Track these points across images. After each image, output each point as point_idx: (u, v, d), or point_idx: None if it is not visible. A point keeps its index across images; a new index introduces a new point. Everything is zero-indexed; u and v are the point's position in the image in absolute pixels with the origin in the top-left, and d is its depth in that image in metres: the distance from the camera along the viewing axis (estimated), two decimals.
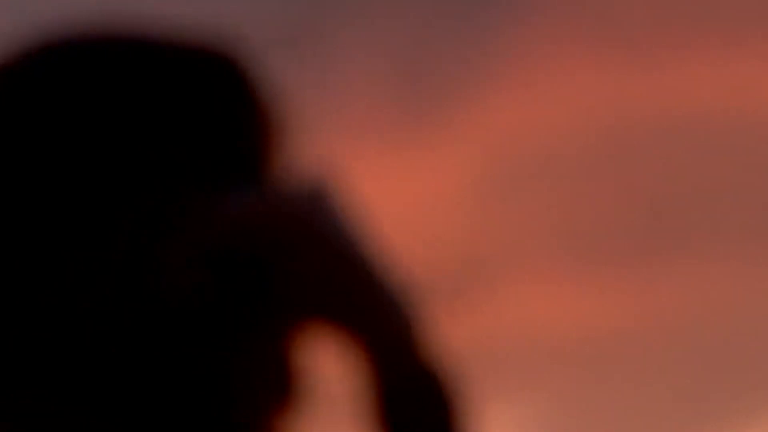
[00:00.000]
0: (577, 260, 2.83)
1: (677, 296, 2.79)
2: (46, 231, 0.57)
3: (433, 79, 2.58)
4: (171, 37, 0.62)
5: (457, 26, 2.62)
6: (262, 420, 0.59)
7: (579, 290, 2.89)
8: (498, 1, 2.59)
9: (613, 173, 2.71)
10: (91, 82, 0.59)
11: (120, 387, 0.56)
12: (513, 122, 2.71)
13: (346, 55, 2.49)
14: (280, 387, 0.60)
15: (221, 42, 0.63)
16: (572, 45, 2.58)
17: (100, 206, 0.58)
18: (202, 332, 0.57)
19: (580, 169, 2.75)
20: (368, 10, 2.55)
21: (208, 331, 0.57)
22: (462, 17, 2.60)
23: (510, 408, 2.94)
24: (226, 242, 0.59)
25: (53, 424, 0.55)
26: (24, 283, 0.57)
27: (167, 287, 0.57)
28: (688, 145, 2.68)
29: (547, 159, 2.74)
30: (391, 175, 2.70)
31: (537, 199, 2.83)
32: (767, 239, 2.70)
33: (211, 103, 0.61)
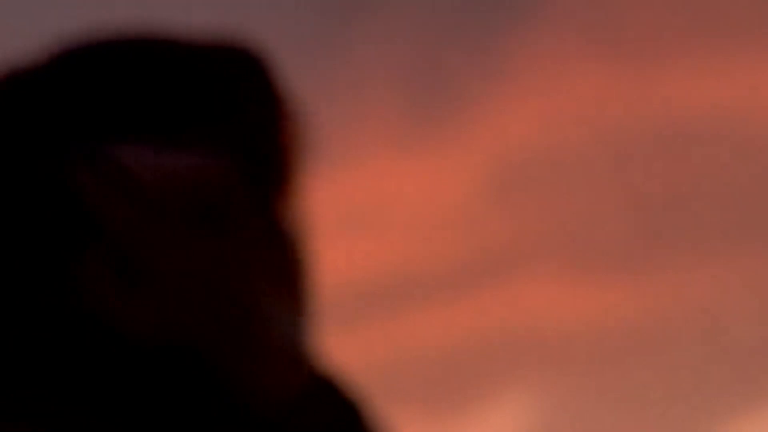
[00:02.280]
0: (578, 259, 2.87)
1: (675, 293, 2.82)
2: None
3: (442, 86, 2.62)
4: (196, 40, 0.61)
5: (465, 37, 2.66)
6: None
7: (580, 288, 2.92)
8: (504, 13, 2.63)
9: (614, 176, 2.75)
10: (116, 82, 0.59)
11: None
12: (518, 129, 2.75)
13: (359, 63, 2.53)
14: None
15: (244, 44, 0.62)
16: (576, 55, 2.63)
17: None
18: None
19: (583, 173, 2.79)
20: (380, 21, 2.60)
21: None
22: (470, 29, 2.64)
23: (510, 401, 2.97)
24: None
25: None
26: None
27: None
28: (686, 147, 2.72)
29: (550, 163, 2.78)
30: (401, 177, 2.73)
31: (541, 201, 2.86)
32: (760, 238, 2.73)
33: (236, 100, 0.60)
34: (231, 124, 0.58)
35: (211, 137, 0.57)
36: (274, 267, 0.58)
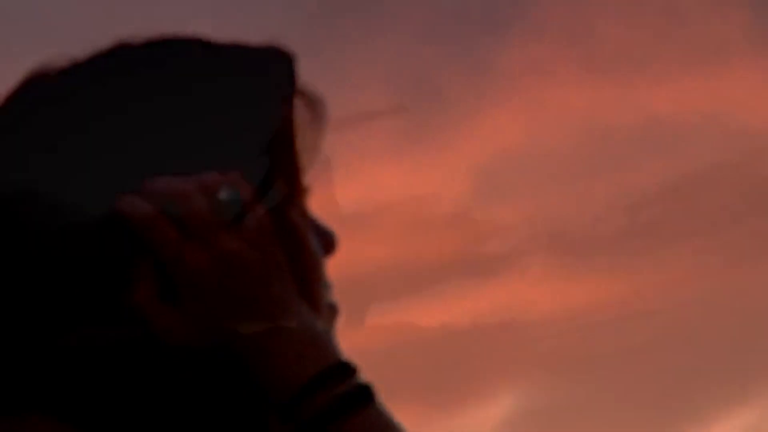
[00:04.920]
0: (566, 255, 2.90)
1: (660, 291, 2.86)
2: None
3: (435, 94, 2.67)
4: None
5: (456, 49, 2.71)
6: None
7: (569, 283, 2.95)
8: (493, 27, 2.68)
9: (596, 175, 2.80)
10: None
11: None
12: (506, 132, 2.80)
13: (355, 72, 2.55)
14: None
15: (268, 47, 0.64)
16: (560, 64, 2.69)
17: None
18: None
19: (567, 173, 2.84)
20: (375, 34, 2.63)
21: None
22: (461, 42, 2.69)
23: (499, 394, 3.00)
24: None
25: None
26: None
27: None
28: (665, 147, 2.78)
29: (536, 164, 2.83)
30: (396, 178, 2.77)
31: (528, 200, 2.90)
32: (739, 233, 2.78)
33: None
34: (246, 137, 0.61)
35: (227, 154, 0.60)
36: (291, 264, 0.61)
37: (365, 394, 0.60)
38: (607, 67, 2.78)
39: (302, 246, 0.63)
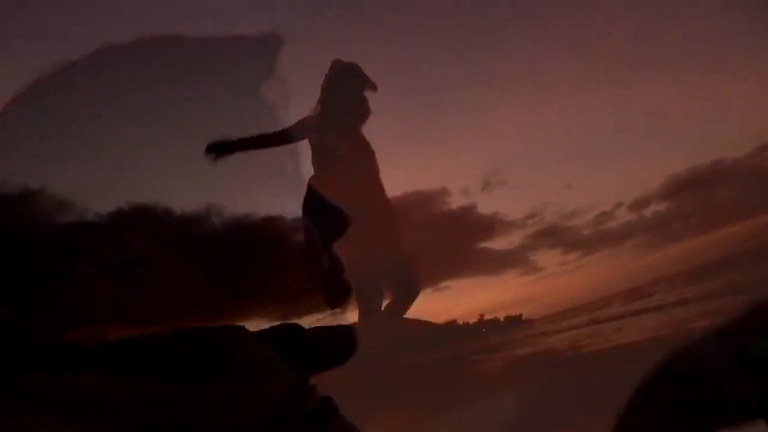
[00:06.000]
0: (563, 252, 2.93)
1: (661, 284, 2.88)
2: None
3: (442, 91, 2.71)
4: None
5: (457, 56, 2.76)
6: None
7: (567, 279, 2.97)
8: (493, 34, 2.73)
9: (589, 172, 2.84)
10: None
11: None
12: (504, 133, 2.84)
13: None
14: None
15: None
16: (556, 69, 2.74)
17: None
18: None
19: (562, 174, 2.88)
20: (380, 41, 2.67)
21: None
22: (461, 49, 2.74)
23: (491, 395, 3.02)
24: None
25: None
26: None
27: None
28: (665, 147, 2.82)
29: (533, 164, 2.87)
30: (402, 175, 2.81)
31: (523, 198, 2.93)
32: (740, 231, 2.80)
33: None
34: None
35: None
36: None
37: (331, 406, 0.59)
38: (607, 68, 2.82)
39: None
